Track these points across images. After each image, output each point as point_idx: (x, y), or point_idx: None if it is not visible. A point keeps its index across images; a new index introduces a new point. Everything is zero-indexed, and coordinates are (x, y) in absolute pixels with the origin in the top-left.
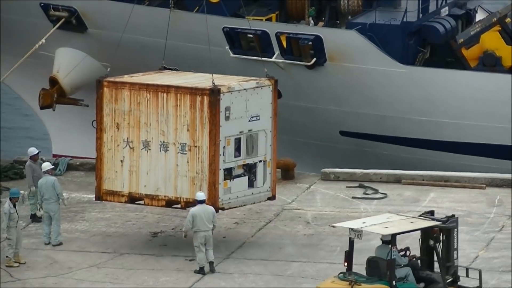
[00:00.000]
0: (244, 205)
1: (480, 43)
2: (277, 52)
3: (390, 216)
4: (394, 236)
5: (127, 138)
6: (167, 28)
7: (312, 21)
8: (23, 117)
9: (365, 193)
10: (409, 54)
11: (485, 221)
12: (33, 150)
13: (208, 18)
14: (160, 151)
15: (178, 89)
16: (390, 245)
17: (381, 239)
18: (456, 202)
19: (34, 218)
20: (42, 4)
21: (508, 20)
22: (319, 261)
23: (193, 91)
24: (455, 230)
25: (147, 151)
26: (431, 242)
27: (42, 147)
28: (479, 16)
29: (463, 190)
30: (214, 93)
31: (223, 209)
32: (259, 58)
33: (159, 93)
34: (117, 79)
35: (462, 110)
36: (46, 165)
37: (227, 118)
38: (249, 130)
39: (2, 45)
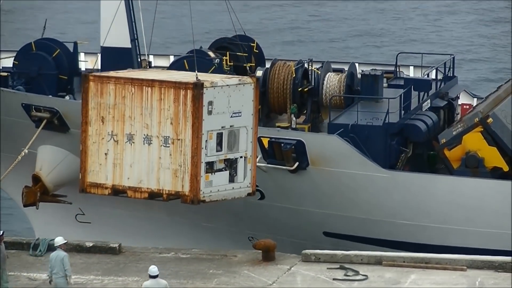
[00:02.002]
0: (224, 199)
1: (463, 144)
2: (259, 155)
3: None
4: None
5: (112, 131)
6: None
7: (294, 118)
8: None
9: (346, 275)
10: (392, 155)
11: None
12: None
13: None
14: (144, 144)
15: (162, 83)
16: None
17: None
18: (437, 284)
19: None
20: (23, 105)
21: (490, 120)
22: None
23: (177, 85)
24: None
25: (131, 144)
26: None
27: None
28: (462, 100)
29: (444, 272)
30: (197, 87)
31: (204, 201)
32: None
33: (144, 87)
34: (103, 74)
35: (445, 214)
36: (59, 240)
37: (209, 112)
38: (231, 126)
39: None
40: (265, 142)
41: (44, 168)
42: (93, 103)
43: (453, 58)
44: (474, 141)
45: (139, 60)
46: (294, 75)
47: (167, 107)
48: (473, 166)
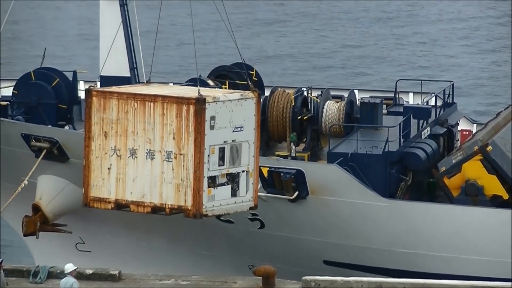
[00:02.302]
0: (227, 213)
1: (462, 172)
2: (259, 185)
3: None
4: None
5: (115, 146)
6: None
7: (293, 146)
8: None
9: None
10: (392, 183)
11: None
12: None
13: None
14: (147, 158)
15: (164, 98)
16: None
17: None
18: None
19: None
20: (23, 135)
21: (489, 148)
22: None
23: (180, 100)
24: None
25: (134, 159)
26: None
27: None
28: (462, 126)
29: None
30: (200, 102)
31: (206, 215)
32: None
33: (146, 102)
34: (106, 89)
35: (444, 243)
36: (69, 267)
37: (212, 127)
38: (233, 140)
39: None
40: (265, 171)
41: (44, 197)
42: (96, 118)
43: (452, 84)
44: (474, 169)
45: None
46: (293, 103)
47: (170, 122)
48: (473, 194)
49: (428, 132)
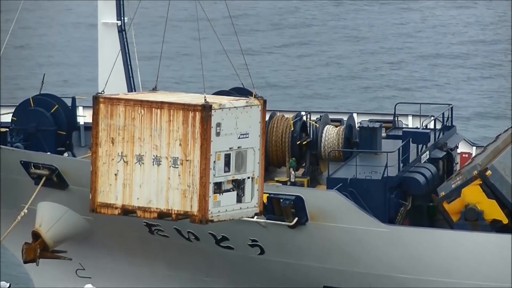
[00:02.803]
0: (232, 219)
1: (462, 197)
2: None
3: None
4: None
5: (121, 152)
6: None
7: (292, 172)
8: None
9: None
10: (391, 208)
11: None
12: (4, 284)
13: None
14: (153, 165)
15: (171, 105)
16: None
17: None
18: None
19: None
20: (22, 162)
21: (488, 173)
22: None
23: (186, 107)
24: None
25: (141, 165)
26: None
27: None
28: (461, 148)
29: None
30: (206, 109)
31: (212, 221)
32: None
33: (153, 109)
34: (113, 96)
35: (445, 268)
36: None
37: (217, 134)
38: (238, 147)
39: None
40: (264, 197)
41: (43, 224)
42: (103, 124)
43: (452, 107)
44: (473, 194)
45: None
46: (292, 129)
47: (176, 128)
48: (472, 219)
49: (428, 156)
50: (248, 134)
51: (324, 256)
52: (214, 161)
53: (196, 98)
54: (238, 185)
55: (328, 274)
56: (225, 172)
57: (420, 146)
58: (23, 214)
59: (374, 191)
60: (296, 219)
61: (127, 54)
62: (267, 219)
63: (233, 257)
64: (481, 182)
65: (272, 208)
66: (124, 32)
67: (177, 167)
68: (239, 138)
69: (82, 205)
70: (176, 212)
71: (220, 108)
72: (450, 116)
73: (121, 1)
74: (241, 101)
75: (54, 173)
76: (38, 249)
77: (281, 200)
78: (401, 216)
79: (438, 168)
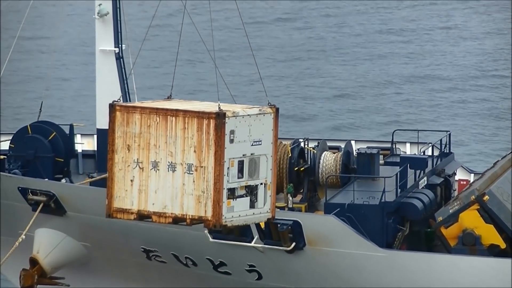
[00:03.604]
0: (245, 224)
1: (459, 222)
2: (256, 236)
3: None
4: None
5: (137, 159)
6: None
7: (290, 198)
8: None
9: None
10: (389, 234)
11: None
12: None
13: None
14: (168, 171)
15: (186, 113)
16: None
17: None
18: None
19: None
20: (20, 188)
21: (486, 198)
22: None
23: (200, 115)
24: None
25: (156, 171)
26: None
27: None
28: (459, 175)
29: None
30: (220, 116)
31: (225, 226)
32: (238, 243)
33: (168, 116)
34: (129, 104)
35: None
36: None
37: (231, 141)
38: (251, 154)
39: None
40: (262, 223)
41: (41, 251)
42: (119, 132)
43: (449, 134)
44: (471, 219)
45: None
46: (290, 155)
47: (191, 135)
48: (470, 244)
49: (425, 182)
50: (261, 141)
51: (321, 280)
52: (228, 168)
53: (210, 106)
54: (251, 191)
55: None
56: (238, 178)
57: (417, 172)
58: (20, 240)
59: (372, 216)
60: (293, 244)
61: (125, 82)
62: (264, 244)
63: (231, 283)
64: (478, 207)
65: (270, 233)
66: (121, 60)
67: (192, 173)
68: (252, 145)
69: (79, 231)
70: (190, 217)
71: (234, 116)
72: (448, 142)
73: (119, 29)
74: (254, 109)
75: (52, 199)
76: (36, 276)
77: (279, 224)
78: (398, 242)
79: (436, 194)
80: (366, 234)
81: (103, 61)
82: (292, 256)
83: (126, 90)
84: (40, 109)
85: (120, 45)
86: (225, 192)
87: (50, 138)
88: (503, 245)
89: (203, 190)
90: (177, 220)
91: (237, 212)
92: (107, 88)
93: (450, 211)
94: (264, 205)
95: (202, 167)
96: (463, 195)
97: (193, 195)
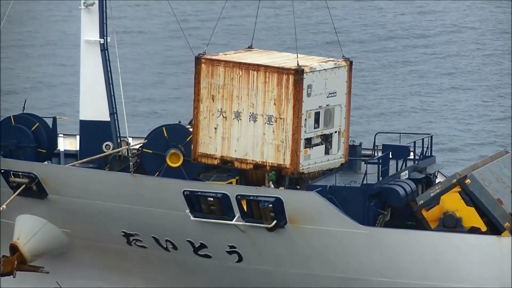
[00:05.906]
0: (320, 170)
1: (440, 204)
2: (237, 215)
3: None
4: None
5: (221, 108)
6: (129, 193)
7: (272, 185)
8: None
9: None
10: (370, 216)
11: None
12: None
13: (168, 181)
14: (250, 121)
15: (267, 68)
16: None
17: None
18: None
19: None
20: (2, 171)
21: (468, 181)
22: None
23: (280, 71)
24: None
25: (238, 121)
26: None
27: None
28: (440, 179)
29: None
30: (298, 72)
31: (303, 173)
32: (219, 221)
33: (250, 70)
34: (213, 57)
35: (423, 271)
36: None
37: (308, 94)
38: (327, 105)
39: None
40: (244, 202)
41: (21, 237)
42: (204, 83)
43: (431, 137)
44: (452, 201)
45: (117, 133)
46: None
47: (271, 89)
48: (451, 226)
49: (407, 176)
50: (335, 93)
51: (302, 260)
52: (305, 119)
53: (289, 61)
54: (326, 139)
55: (306, 279)
56: (315, 128)
57: (400, 162)
58: (1, 209)
59: (353, 198)
60: (275, 221)
61: (109, 73)
62: (245, 222)
63: (212, 267)
64: (460, 190)
65: (251, 211)
66: (106, 51)
67: (272, 124)
68: (327, 97)
69: (60, 216)
70: (270, 164)
71: (311, 71)
72: (429, 145)
73: (104, 19)
74: (329, 63)
75: (34, 181)
76: (16, 262)
77: (260, 202)
78: (379, 225)
79: (417, 188)
80: (347, 216)
81: (87, 52)
82: (273, 234)
83: (110, 82)
84: (24, 106)
85: (105, 36)
86: (302, 142)
87: (33, 129)
88: (483, 228)
89: (282, 140)
90: (258, 167)
91: (313, 159)
92: (91, 79)
93: (432, 194)
94: (338, 151)
95: (281, 118)
96: (444, 180)
97: (272, 144)
